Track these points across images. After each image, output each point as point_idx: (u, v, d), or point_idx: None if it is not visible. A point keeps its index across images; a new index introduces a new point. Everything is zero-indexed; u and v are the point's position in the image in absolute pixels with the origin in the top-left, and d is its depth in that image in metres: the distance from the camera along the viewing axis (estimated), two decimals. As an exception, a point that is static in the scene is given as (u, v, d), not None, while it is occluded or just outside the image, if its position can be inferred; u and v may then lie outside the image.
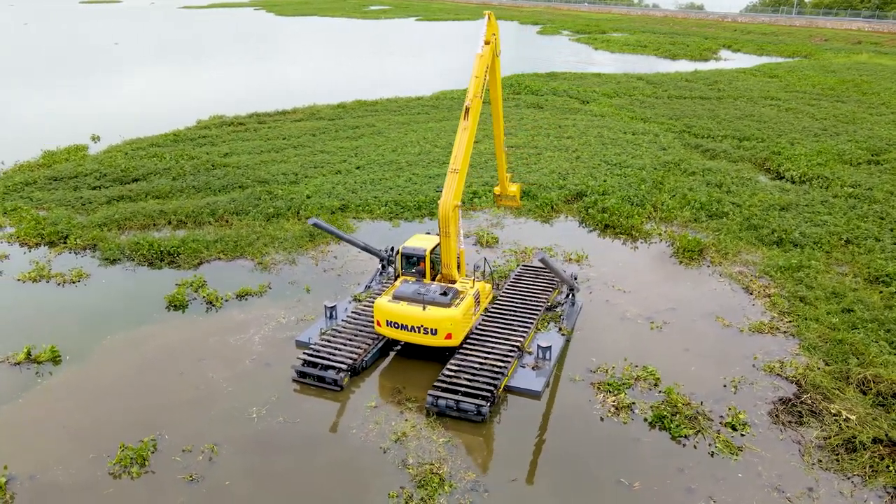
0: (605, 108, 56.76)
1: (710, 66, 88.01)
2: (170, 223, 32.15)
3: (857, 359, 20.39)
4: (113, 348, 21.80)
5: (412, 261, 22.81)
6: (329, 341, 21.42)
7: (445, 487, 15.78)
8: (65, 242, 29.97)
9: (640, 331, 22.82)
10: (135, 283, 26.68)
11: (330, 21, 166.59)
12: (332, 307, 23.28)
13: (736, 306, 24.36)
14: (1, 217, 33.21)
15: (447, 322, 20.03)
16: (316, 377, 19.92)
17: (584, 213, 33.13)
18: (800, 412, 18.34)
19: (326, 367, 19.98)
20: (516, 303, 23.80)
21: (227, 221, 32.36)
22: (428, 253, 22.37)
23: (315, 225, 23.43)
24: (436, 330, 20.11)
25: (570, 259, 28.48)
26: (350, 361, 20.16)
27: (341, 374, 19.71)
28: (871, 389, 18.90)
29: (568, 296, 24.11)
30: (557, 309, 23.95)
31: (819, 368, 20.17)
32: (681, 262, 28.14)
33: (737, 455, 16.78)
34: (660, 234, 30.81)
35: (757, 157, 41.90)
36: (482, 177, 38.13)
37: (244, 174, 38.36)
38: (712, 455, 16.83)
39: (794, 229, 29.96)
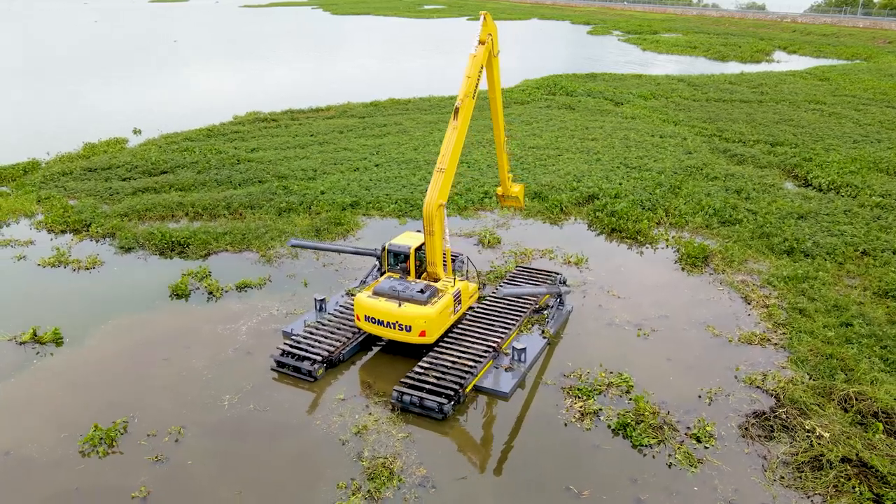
0: (638, 110, 55.76)
1: (761, 68, 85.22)
2: (187, 215, 33.41)
3: (845, 374, 19.63)
4: (111, 332, 22.88)
5: (400, 258, 23.11)
6: (311, 333, 21.95)
7: (394, 481, 16.02)
8: (87, 230, 31.54)
9: (625, 337, 22.49)
10: (145, 271, 27.84)
11: (382, 20, 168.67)
12: (321, 300, 23.81)
13: (730, 316, 23.72)
14: (35, 205, 35.18)
15: (421, 320, 20.25)
16: (292, 367, 20.47)
17: (592, 216, 32.76)
18: (771, 427, 17.79)
19: (302, 359, 20.51)
20: (503, 304, 23.80)
21: (240, 215, 33.40)
22: (413, 250, 22.62)
23: (294, 245, 23.99)
24: (410, 327, 20.36)
25: (569, 262, 28.24)
26: (326, 354, 20.61)
27: (316, 366, 20.19)
28: (852, 407, 18.17)
29: (557, 299, 23.94)
30: (546, 311, 23.85)
31: (803, 383, 19.49)
32: (683, 269, 27.55)
33: (695, 467, 16.43)
34: (667, 240, 30.22)
35: (787, 163, 40.49)
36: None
37: (265, 169, 39.45)
38: (670, 466, 16.52)
39: (807, 239, 28.90)
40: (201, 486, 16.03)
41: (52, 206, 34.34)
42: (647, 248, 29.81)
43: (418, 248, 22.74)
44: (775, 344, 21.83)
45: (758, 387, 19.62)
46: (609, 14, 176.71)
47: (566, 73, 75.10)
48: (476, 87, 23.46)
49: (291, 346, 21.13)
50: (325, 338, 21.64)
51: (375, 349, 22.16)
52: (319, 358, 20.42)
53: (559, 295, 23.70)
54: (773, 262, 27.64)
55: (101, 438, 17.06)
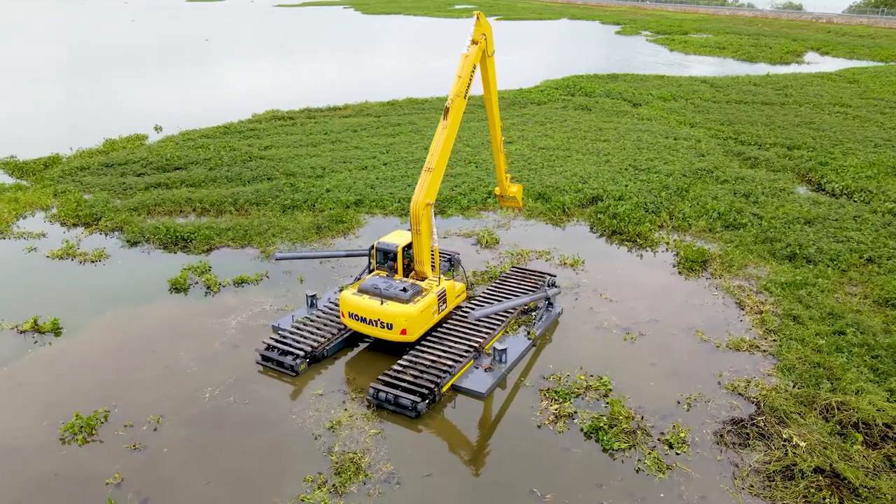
0: (655, 111, 55.10)
1: (791, 69, 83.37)
2: (194, 210, 34.12)
3: (831, 384, 19.22)
4: (107, 324, 23.53)
5: (390, 256, 23.28)
6: (298, 329, 22.29)
7: (361, 476, 16.21)
8: (97, 224, 32.44)
9: (611, 341, 22.33)
10: (148, 265, 28.52)
11: (411, 19, 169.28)
12: (311, 296, 24.13)
13: (721, 321, 23.38)
14: (52, 198, 36.29)
15: (402, 318, 20.41)
16: (276, 362, 20.81)
17: (594, 217, 32.55)
18: (747, 434, 17.52)
19: (286, 353, 20.85)
20: (489, 304, 23.80)
21: (246, 211, 33.98)
22: (400, 249, 22.77)
23: (280, 259, 24.26)
24: (392, 325, 20.54)
25: (565, 263, 28.12)
26: (309, 349, 20.92)
27: (298, 361, 20.49)
28: (833, 417, 17.79)
29: (546, 301, 23.85)
30: (534, 313, 23.80)
31: (786, 391, 19.13)
32: (680, 273, 27.22)
33: (663, 473, 16.27)
34: (667, 243, 29.87)
35: (802, 167, 39.63)
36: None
37: (275, 167, 40.03)
38: (638, 471, 16.39)
39: (811, 244, 28.30)
40: (173, 474, 16.43)
41: (66, 199, 35.37)
42: (646, 251, 29.50)
43: (406, 247, 22.89)
44: (764, 351, 21.46)
45: (740, 394, 19.33)
46: (640, 14, 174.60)
47: (587, 74, 74.49)
48: (467, 87, 23.43)
49: (277, 340, 21.49)
50: (312, 333, 21.95)
51: (362, 346, 22.37)
52: (302, 353, 20.73)
53: (547, 297, 23.62)
54: (774, 267, 27.13)
55: (81, 427, 17.58)
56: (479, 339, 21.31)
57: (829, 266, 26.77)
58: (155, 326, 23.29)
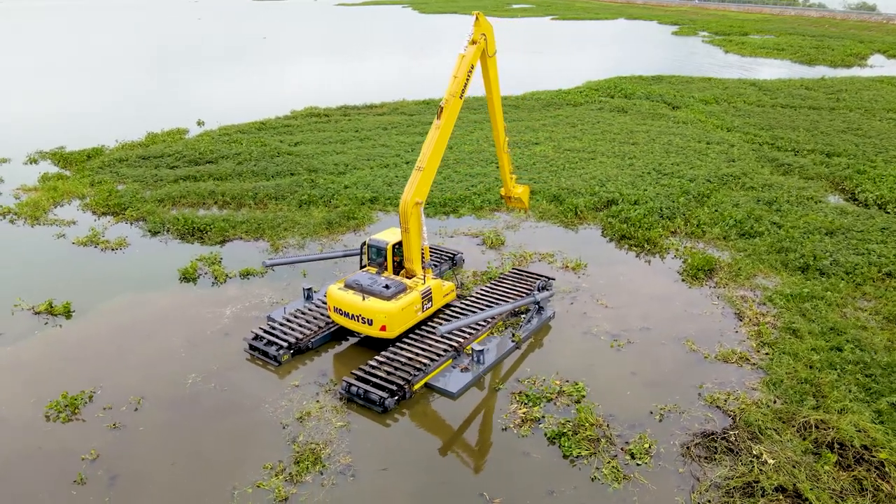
0: (693, 114, 53.61)
1: (851, 72, 79.54)
2: (216, 203, 35.33)
3: (816, 400, 18.46)
4: (113, 309, 24.72)
5: (382, 252, 23.60)
6: (288, 321, 22.88)
7: (318, 467, 16.58)
8: (123, 214, 34.00)
9: (597, 348, 22.00)
10: (164, 253, 29.74)
11: (465, 19, 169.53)
12: (308, 289, 24.71)
13: (715, 332, 22.71)
14: (88, 188, 38.22)
15: (382, 314, 20.69)
16: (261, 351, 21.45)
17: (606, 221, 32.04)
18: (716, 448, 17.03)
19: (270, 343, 21.46)
20: (480, 305, 23.83)
21: (264, 205, 34.96)
22: (390, 246, 23.07)
23: (269, 265, 24.69)
24: (372, 321, 20.86)
25: (567, 267, 27.82)
26: (293, 340, 21.45)
27: (281, 351, 21.05)
28: (810, 435, 17.09)
29: (536, 305, 23.63)
30: (524, 315, 23.69)
31: (767, 406, 18.47)
32: (683, 281, 26.55)
33: (619, 483, 16.00)
34: (677, 250, 29.15)
35: (837, 175, 37.91)
36: (519, 179, 37.79)
37: (300, 162, 40.97)
38: (593, 480, 16.17)
39: (827, 256, 27.11)
40: (144, 454, 17.20)
41: (100, 190, 37.18)
42: (654, 257, 28.88)
43: (396, 245, 23.15)
44: (753, 364, 20.75)
45: (718, 407, 18.78)
46: (701, 14, 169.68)
47: (631, 76, 73.02)
48: (464, 87, 23.47)
49: (265, 331, 22.12)
50: (300, 326, 22.49)
51: (352, 340, 22.77)
52: (286, 344, 21.28)
53: (535, 302, 23.42)
54: (784, 278, 26.13)
55: (66, 405, 18.59)
56: (459, 340, 21.38)
57: (842, 279, 25.60)
58: (156, 313, 24.31)
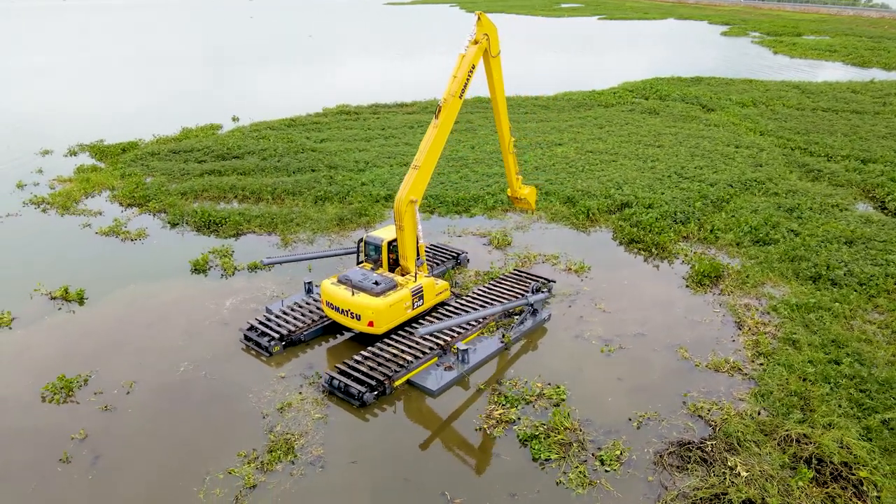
0: (727, 117, 52.28)
1: (907, 76, 76.13)
2: (236, 197, 36.27)
3: (803, 414, 17.88)
4: (122, 297, 25.68)
5: (378, 249, 23.87)
6: (285, 313, 23.39)
7: (290, 457, 16.96)
8: (146, 206, 35.24)
9: (587, 352, 21.76)
10: (180, 245, 30.69)
11: (511, 17, 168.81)
12: (308, 283, 25.20)
13: (711, 340, 22.19)
14: (118, 180, 39.73)
15: (370, 310, 20.96)
16: (254, 342, 22.01)
17: (616, 224, 31.61)
18: (690, 458, 16.69)
19: (263, 334, 22.00)
20: (475, 305, 23.85)
21: (281, 200, 35.71)
22: (385, 243, 23.33)
23: (268, 263, 25.08)
24: (360, 316, 21.16)
25: (570, 269, 27.58)
26: (285, 332, 21.94)
27: (272, 343, 21.56)
28: (790, 448, 16.58)
29: (529, 307, 23.47)
30: (517, 316, 23.61)
31: (751, 417, 17.99)
32: (688, 287, 26.00)
33: (583, 489, 15.84)
34: (686, 255, 28.55)
35: (869, 182, 36.43)
36: (540, 180, 37.60)
37: (322, 159, 41.66)
38: (558, 484, 16.06)
39: (841, 266, 26.14)
40: (129, 436, 17.89)
41: (128, 182, 38.61)
42: (662, 262, 28.35)
43: (392, 242, 23.39)
44: (745, 374, 20.22)
45: (700, 416, 18.38)
46: (754, 14, 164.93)
47: (670, 77, 71.59)
48: (464, 88, 23.50)
49: (260, 322, 22.68)
50: (294, 318, 22.96)
51: (348, 334, 23.11)
52: (277, 336, 21.78)
53: (528, 304, 23.27)
54: (794, 287, 25.31)
55: (61, 387, 19.47)
56: (445, 338, 21.48)
57: (855, 290, 24.66)
58: (162, 302, 25.17)
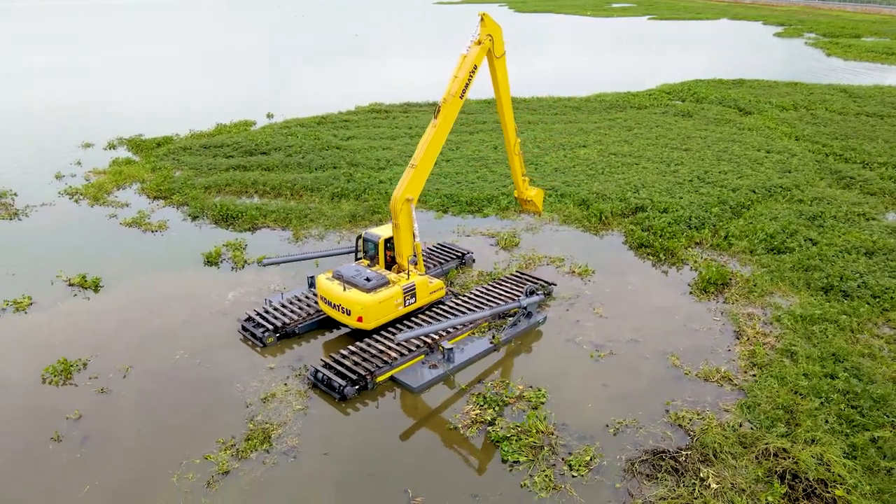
0: (764, 121, 50.72)
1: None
2: (257, 192, 37.18)
3: (787, 428, 17.34)
4: (135, 286, 26.69)
5: (374, 246, 24.15)
6: (283, 305, 23.94)
7: (265, 446, 17.40)
8: (171, 198, 36.47)
9: (576, 357, 21.53)
10: (197, 237, 31.66)
11: (558, 17, 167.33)
12: (311, 277, 25.71)
13: (706, 349, 21.68)
14: (149, 173, 41.21)
15: (359, 305, 21.28)
16: (250, 332, 22.62)
17: (628, 228, 31.13)
18: (662, 467, 16.40)
19: (258, 325, 22.59)
20: (470, 305, 23.91)
21: (300, 196, 36.44)
22: (381, 241, 23.62)
23: (267, 264, 25.50)
24: (349, 311, 21.50)
25: (574, 273, 27.32)
26: (279, 324, 22.47)
27: (266, 334, 22.12)
28: (767, 462, 16.12)
29: (525, 311, 23.35)
30: (510, 318, 23.55)
31: (734, 429, 17.55)
32: (691, 294, 25.45)
33: (546, 493, 15.74)
34: (695, 261, 27.92)
35: (905, 191, 34.89)
36: (559, 181, 37.30)
37: (344, 157, 42.29)
38: (522, 486, 16.00)
39: (856, 277, 25.14)
40: (119, 419, 18.65)
41: (158, 175, 40.01)
42: (671, 268, 27.82)
43: (388, 239, 23.66)
44: (735, 385, 19.70)
45: (681, 425, 18.02)
46: (812, 14, 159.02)
47: (711, 79, 69.83)
48: (464, 88, 23.58)
49: (257, 313, 23.29)
50: (291, 311, 23.48)
51: (345, 329, 23.46)
52: (272, 327, 22.33)
53: (524, 308, 23.17)
54: (803, 298, 24.49)
55: (61, 370, 20.42)
56: (434, 336, 21.60)
57: (867, 303, 23.70)
58: (170, 292, 26.06)
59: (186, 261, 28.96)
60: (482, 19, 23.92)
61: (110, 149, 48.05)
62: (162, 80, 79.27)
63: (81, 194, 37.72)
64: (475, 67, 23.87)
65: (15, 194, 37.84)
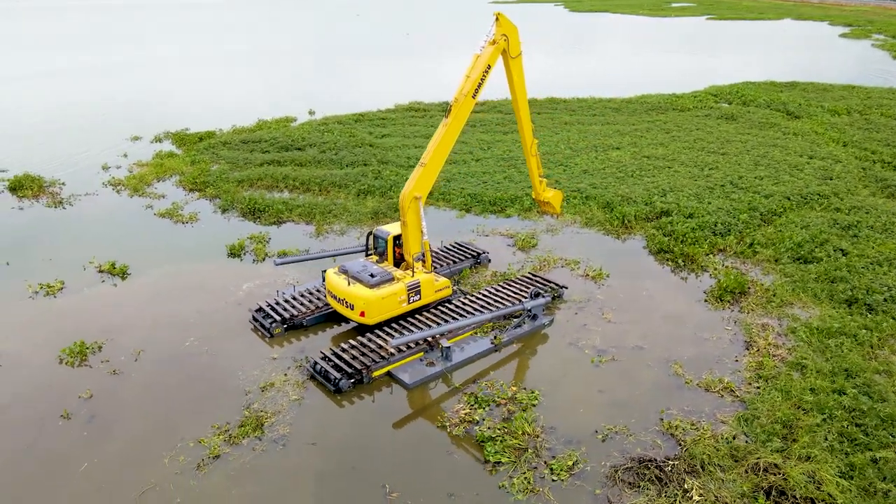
0: (812, 125, 48.81)
1: None
2: (287, 187, 38.06)
3: (782, 443, 16.76)
4: (158, 274, 27.74)
5: (395, 243, 24.41)
6: (294, 298, 24.50)
7: (257, 433, 17.90)
8: (204, 191, 37.70)
9: (577, 361, 21.28)
10: (225, 229, 32.63)
11: (612, 17, 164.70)
12: (325, 271, 26.17)
13: (712, 359, 21.11)
14: (189, 166, 42.68)
15: (361, 301, 21.61)
16: (260, 323, 23.26)
17: (649, 233, 30.53)
18: (646, 476, 16.10)
19: (267, 316, 23.21)
20: (477, 305, 23.93)
21: (327, 191, 37.12)
22: (390, 238, 23.89)
23: (280, 264, 25.75)
24: (353, 305, 21.85)
25: (588, 276, 27.00)
26: (287, 316, 23.02)
27: (274, 325, 22.70)
28: (756, 477, 15.63)
29: (530, 313, 23.21)
30: (515, 319, 23.45)
31: (727, 441, 17.07)
32: (706, 302, 24.81)
33: (523, 495, 15.66)
34: (715, 269, 27.18)
35: (953, 202, 33.05)
36: (586, 183, 36.86)
37: (375, 154, 42.81)
38: (500, 488, 15.97)
39: (884, 290, 24.01)
40: (126, 399, 19.51)
41: (195, 168, 41.40)
42: (690, 274, 27.17)
43: (397, 237, 23.90)
44: (736, 396, 19.14)
45: (672, 435, 17.64)
46: (882, 15, 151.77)
47: (762, 81, 67.59)
48: (477, 88, 23.61)
49: (269, 304, 23.91)
50: (301, 304, 24.01)
51: (353, 323, 23.84)
52: (279, 319, 22.90)
53: (528, 310, 23.03)
54: (824, 310, 23.55)
55: (77, 352, 21.45)
56: (434, 335, 21.71)
57: (894, 318, 22.61)
58: (190, 281, 27.00)
59: (211, 252, 29.90)
60: (497, 19, 23.84)
61: (156, 142, 49.93)
62: (214, 77, 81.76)
63: (123, 185, 39.37)
64: (489, 67, 23.84)
65: (63, 184, 39.81)
